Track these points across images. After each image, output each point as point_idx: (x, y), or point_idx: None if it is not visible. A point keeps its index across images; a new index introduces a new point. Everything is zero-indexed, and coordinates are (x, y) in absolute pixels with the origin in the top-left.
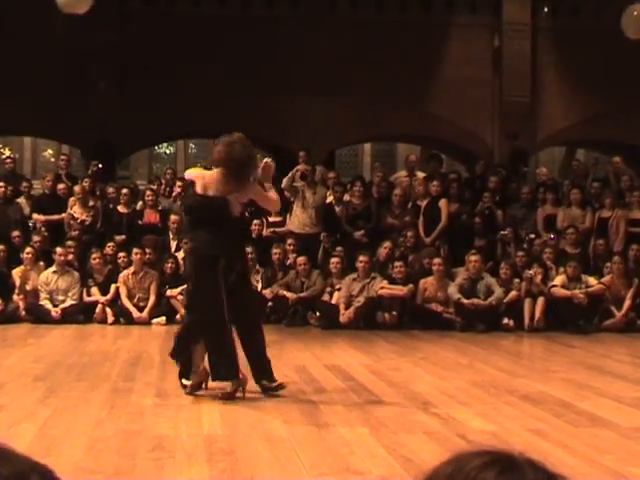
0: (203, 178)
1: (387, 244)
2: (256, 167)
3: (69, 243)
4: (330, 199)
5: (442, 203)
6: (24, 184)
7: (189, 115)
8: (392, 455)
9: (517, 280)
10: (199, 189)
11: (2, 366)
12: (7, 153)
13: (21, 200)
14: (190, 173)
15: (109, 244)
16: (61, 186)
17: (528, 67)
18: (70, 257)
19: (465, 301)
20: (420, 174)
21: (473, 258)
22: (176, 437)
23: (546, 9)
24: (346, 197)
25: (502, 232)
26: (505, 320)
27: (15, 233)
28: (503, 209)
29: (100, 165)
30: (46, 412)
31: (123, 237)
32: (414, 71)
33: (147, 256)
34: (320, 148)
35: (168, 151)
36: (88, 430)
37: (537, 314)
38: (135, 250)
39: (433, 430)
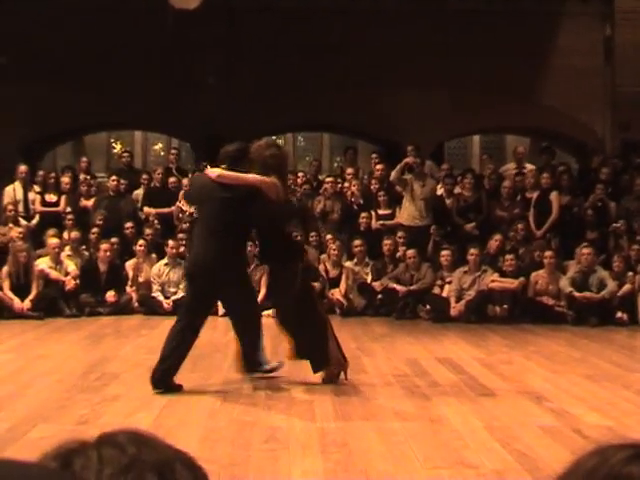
0: (275, 185)
1: (497, 237)
2: None
3: (180, 236)
4: (440, 191)
5: (553, 196)
6: (144, 176)
7: (297, 108)
8: (506, 449)
9: (631, 273)
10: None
11: (117, 357)
12: (118, 147)
13: (139, 192)
14: (259, 177)
15: None
16: (172, 179)
17: None
18: (181, 249)
19: (577, 294)
20: (529, 166)
21: (585, 251)
22: (289, 429)
23: None
24: (457, 189)
25: (615, 225)
26: (619, 314)
27: (128, 225)
28: (616, 201)
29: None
30: (161, 402)
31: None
32: (523, 61)
33: (257, 249)
34: (428, 141)
35: None
36: (202, 420)
37: None
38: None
39: (547, 424)
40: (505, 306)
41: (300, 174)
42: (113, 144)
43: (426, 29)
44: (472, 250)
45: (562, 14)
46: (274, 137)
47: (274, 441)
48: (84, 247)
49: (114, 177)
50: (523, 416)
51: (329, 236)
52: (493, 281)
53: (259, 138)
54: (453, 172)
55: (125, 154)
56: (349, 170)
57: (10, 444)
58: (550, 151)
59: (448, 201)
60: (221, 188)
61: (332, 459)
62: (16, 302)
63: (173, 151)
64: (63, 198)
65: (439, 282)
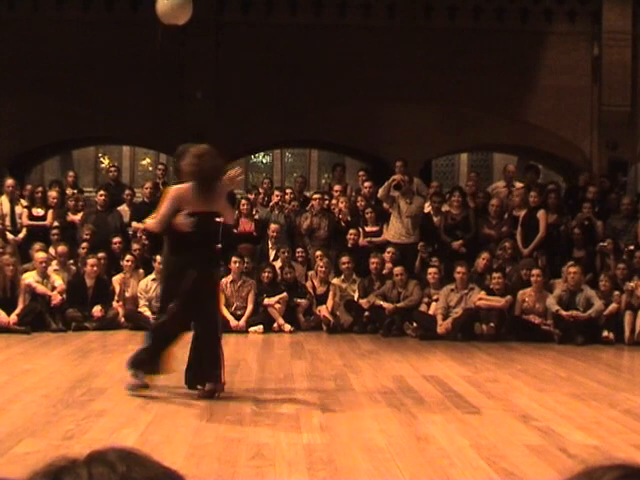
0: (177, 193)
1: (485, 255)
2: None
3: None
4: (428, 209)
5: (540, 214)
6: (127, 192)
7: (285, 124)
8: (492, 468)
9: (617, 292)
10: (177, 205)
11: (103, 372)
12: (106, 162)
13: (123, 208)
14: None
15: None
16: (159, 195)
17: (628, 76)
18: None
19: (564, 313)
20: (518, 184)
21: (572, 270)
22: (276, 445)
23: None
24: (444, 207)
25: (602, 243)
26: (605, 333)
27: (115, 240)
28: (603, 220)
29: None
30: (147, 418)
31: (219, 246)
32: (511, 80)
33: (245, 265)
34: (416, 158)
35: (265, 160)
36: (188, 437)
37: (638, 327)
38: (234, 259)
39: (533, 443)
40: (492, 324)
41: (288, 190)
42: (101, 159)
43: (414, 47)
44: (459, 268)
45: (550, 33)
46: (262, 153)
47: (260, 458)
48: (72, 261)
49: (102, 192)
50: (509, 434)
51: (318, 252)
52: (480, 299)
53: (247, 154)
54: (441, 190)
55: (112, 169)
56: (337, 187)
57: None
58: (535, 169)
59: (436, 219)
60: None
61: (318, 476)
62: (2, 316)
63: (160, 166)
64: (50, 212)
65: (426, 300)
